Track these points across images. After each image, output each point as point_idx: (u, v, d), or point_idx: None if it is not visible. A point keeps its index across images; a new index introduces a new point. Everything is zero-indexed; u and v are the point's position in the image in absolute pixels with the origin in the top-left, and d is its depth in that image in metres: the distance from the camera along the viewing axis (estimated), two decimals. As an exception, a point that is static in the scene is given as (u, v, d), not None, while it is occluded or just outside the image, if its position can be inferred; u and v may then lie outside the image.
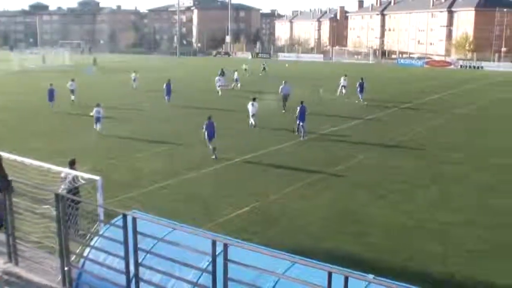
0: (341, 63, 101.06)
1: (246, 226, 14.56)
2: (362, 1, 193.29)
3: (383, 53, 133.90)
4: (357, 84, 42.45)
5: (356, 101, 41.05)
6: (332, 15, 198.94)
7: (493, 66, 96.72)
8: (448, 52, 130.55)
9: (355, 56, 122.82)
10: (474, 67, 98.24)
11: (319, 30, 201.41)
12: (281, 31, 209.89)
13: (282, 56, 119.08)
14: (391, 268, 12.07)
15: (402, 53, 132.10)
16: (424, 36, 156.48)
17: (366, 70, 73.38)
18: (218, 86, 47.18)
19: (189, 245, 7.00)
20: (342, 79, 46.80)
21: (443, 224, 15.05)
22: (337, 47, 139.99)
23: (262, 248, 7.94)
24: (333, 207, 16.36)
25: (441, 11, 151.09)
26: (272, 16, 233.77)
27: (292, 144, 25.62)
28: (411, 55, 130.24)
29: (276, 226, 14.68)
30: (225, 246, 6.38)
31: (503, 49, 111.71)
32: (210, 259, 6.59)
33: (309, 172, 20.36)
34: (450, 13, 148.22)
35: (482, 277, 11.90)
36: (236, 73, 52.78)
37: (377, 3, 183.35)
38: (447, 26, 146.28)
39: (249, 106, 30.46)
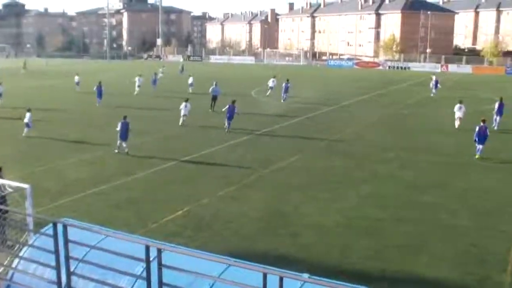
0: (273, 65, 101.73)
1: (179, 230, 14.47)
2: (293, 4, 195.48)
3: (314, 55, 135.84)
4: (283, 85, 44.29)
5: (282, 101, 42.23)
6: (263, 18, 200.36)
7: (418, 66, 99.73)
8: (376, 54, 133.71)
9: (286, 58, 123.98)
10: (401, 67, 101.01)
11: (250, 32, 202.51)
12: (213, 34, 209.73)
13: (213, 58, 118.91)
14: (325, 266, 12.28)
15: (332, 54, 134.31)
16: (353, 38, 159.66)
17: (297, 72, 74.30)
18: (138, 86, 47.72)
19: (122, 252, 6.90)
20: (271, 80, 48.09)
21: (374, 221, 15.43)
22: (268, 49, 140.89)
23: (196, 251, 7.93)
24: (267, 208, 16.46)
25: (369, 14, 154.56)
26: (203, 18, 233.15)
27: (224, 146, 25.63)
28: (341, 57, 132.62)
29: (210, 229, 14.66)
30: (159, 251, 6.33)
31: (428, 50, 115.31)
32: (144, 265, 6.53)
33: (242, 174, 20.42)
34: (378, 16, 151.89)
35: (411, 271, 12.30)
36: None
37: (307, 6, 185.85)
38: (375, 28, 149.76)
39: (182, 107, 31.11)
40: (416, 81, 66.06)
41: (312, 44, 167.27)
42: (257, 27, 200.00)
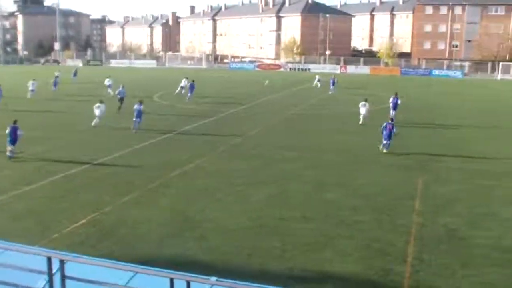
0: (175, 69, 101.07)
1: (83, 239, 14.05)
2: (194, 7, 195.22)
3: (216, 58, 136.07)
4: (188, 85, 46.28)
5: (187, 99, 42.77)
6: (164, 21, 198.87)
7: (319, 68, 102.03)
8: (278, 56, 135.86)
9: (188, 62, 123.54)
10: (302, 69, 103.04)
11: (151, 36, 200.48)
12: (113, 37, 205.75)
13: (114, 62, 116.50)
14: (233, 268, 12.32)
15: (234, 57, 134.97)
16: (255, 41, 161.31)
17: (199, 75, 74.17)
18: (31, 91, 46.11)
19: (22, 266, 6.62)
20: (183, 80, 49.35)
21: (280, 220, 15.64)
22: (170, 53, 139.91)
23: (101, 260, 7.74)
24: (173, 213, 16.31)
25: (270, 17, 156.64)
26: (103, 22, 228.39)
27: (130, 150, 25.10)
28: (243, 59, 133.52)
29: (115, 236, 14.33)
30: (62, 262, 6.13)
31: (328, 52, 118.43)
32: (47, 278, 6.30)
33: (147, 178, 20.10)
34: (278, 18, 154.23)
35: (317, 268, 12.57)
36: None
37: (208, 9, 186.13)
38: (276, 31, 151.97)
39: (95, 109, 31.44)
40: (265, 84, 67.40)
41: (214, 47, 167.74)
42: (158, 31, 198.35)
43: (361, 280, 12.13)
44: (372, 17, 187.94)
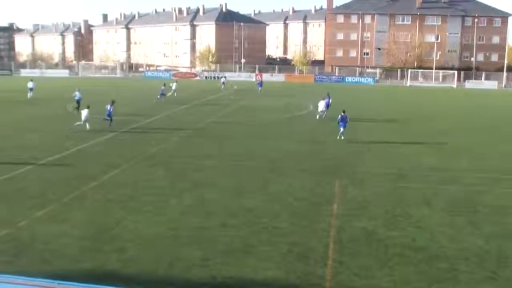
0: (88, 78, 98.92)
1: (-4, 255, 13.43)
2: (106, 15, 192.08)
3: (131, 67, 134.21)
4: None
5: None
6: (76, 29, 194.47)
7: (234, 76, 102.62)
8: (193, 64, 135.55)
9: (102, 71, 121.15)
10: (218, 77, 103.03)
11: (63, 44, 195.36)
12: (22, 46, 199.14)
13: (24, 72, 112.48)
14: (154, 279, 12.13)
15: (149, 66, 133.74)
16: (170, 49, 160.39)
17: (113, 84, 72.92)
18: None
19: None
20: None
21: (199, 229, 15.53)
22: (83, 62, 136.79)
23: (17, 278, 7.42)
24: (90, 226, 15.85)
25: (184, 25, 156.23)
26: (11, 30, 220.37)
27: (46, 162, 24.24)
28: (158, 68, 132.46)
29: (30, 252, 13.74)
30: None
31: (243, 60, 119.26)
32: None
33: (61, 192, 19.44)
34: (193, 27, 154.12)
35: (239, 274, 12.53)
36: None
37: (121, 17, 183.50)
38: (191, 39, 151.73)
39: (82, 113, 34.30)
40: (234, 89, 67.84)
41: (129, 56, 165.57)
42: (70, 39, 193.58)
43: (283, 285, 12.21)
44: (286, 25, 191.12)
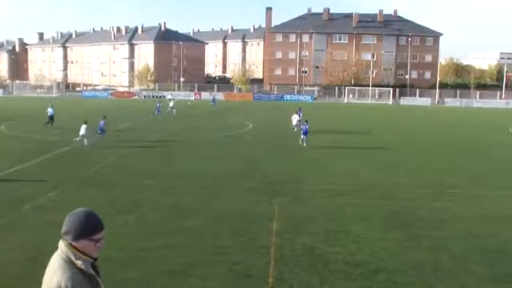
0: (23, 98, 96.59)
1: None
2: (42, 33, 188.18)
3: (68, 86, 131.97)
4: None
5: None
6: (10, 47, 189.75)
7: (174, 95, 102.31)
8: (131, 83, 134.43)
9: (38, 90, 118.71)
10: (157, 96, 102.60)
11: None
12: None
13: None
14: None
15: (86, 85, 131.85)
16: (108, 68, 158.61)
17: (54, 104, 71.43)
18: None
19: None
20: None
21: (141, 250, 15.34)
22: (18, 81, 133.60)
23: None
24: (24, 250, 15.37)
25: (122, 44, 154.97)
26: None
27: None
28: (95, 87, 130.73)
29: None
30: None
31: (182, 79, 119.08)
32: None
33: (-3, 215, 18.87)
34: (132, 46, 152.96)
35: (181, 296, 12.47)
36: None
37: (58, 36, 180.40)
38: (129, 58, 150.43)
39: (81, 129, 35.17)
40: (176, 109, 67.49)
41: (66, 75, 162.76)
42: (3, 58, 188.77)
43: (225, 304, 12.20)
44: (225, 44, 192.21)
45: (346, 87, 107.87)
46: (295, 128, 45.42)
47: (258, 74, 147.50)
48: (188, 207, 20.47)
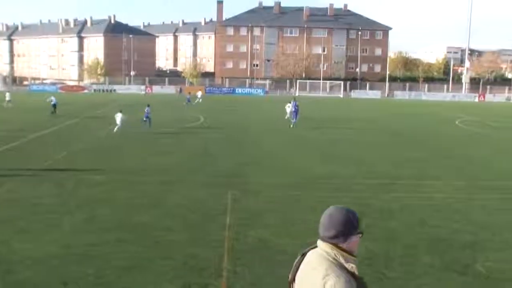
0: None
1: None
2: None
3: (14, 80, 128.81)
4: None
5: None
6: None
7: (124, 89, 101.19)
8: (81, 77, 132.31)
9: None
10: (107, 90, 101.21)
11: None
12: None
13: None
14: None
15: (34, 79, 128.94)
16: (56, 62, 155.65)
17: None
18: None
19: None
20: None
21: (93, 246, 15.14)
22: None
23: None
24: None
25: (71, 37, 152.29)
26: None
27: None
28: (44, 81, 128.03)
29: None
30: None
31: (132, 72, 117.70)
32: None
33: None
34: (81, 39, 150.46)
35: (134, 292, 12.39)
36: None
37: (3, 28, 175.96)
38: (78, 51, 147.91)
39: (116, 117, 39.66)
40: (121, 103, 66.73)
41: (12, 69, 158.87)
42: None
43: (179, 298, 12.17)
44: (176, 37, 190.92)
45: (298, 81, 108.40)
46: (288, 116, 50.02)
47: (210, 68, 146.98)
48: (140, 202, 20.29)
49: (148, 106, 44.07)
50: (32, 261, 14.12)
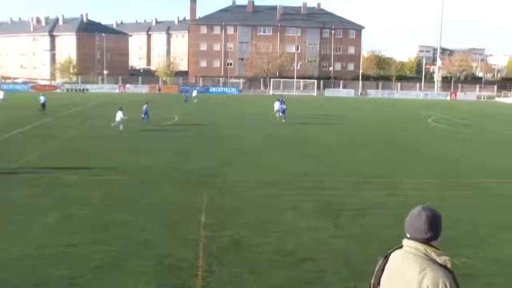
0: None
1: None
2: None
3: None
4: None
5: None
6: None
7: (97, 88, 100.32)
8: (53, 76, 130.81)
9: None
10: (80, 89, 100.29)
11: None
12: None
13: None
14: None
15: (5, 78, 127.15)
16: (27, 60, 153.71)
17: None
18: None
19: None
20: None
21: (67, 246, 14.98)
22: None
23: None
24: None
25: (43, 35, 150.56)
26: None
27: None
28: (15, 80, 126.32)
29: None
30: None
31: (105, 71, 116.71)
32: None
33: None
34: (52, 37, 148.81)
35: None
36: None
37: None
38: (50, 50, 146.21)
39: (117, 115, 41.09)
40: (97, 102, 66.31)
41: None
42: None
43: (155, 298, 12.11)
44: (149, 36, 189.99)
45: (271, 79, 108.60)
46: (276, 114, 52.85)
47: (183, 67, 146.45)
48: (115, 201, 20.15)
49: (146, 103, 45.96)
50: (5, 262, 13.91)
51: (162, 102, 72.16)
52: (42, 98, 56.69)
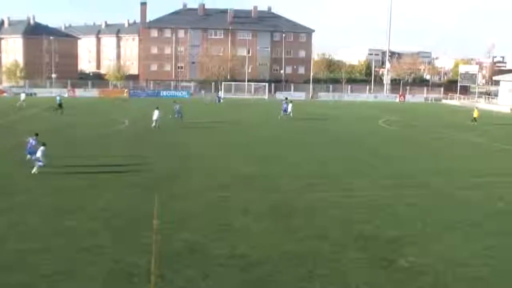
0: None
1: None
2: None
3: None
4: None
5: None
6: None
7: (45, 92, 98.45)
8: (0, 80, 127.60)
9: None
10: (28, 94, 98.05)
11: None
12: None
13: None
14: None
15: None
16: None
17: None
18: None
19: None
20: None
21: (18, 252, 14.70)
22: None
23: None
24: None
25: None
26: None
27: None
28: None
29: None
30: None
31: (54, 75, 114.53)
32: None
33: None
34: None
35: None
36: None
37: None
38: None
39: (154, 114, 44.95)
40: (48, 106, 64.84)
41: None
42: None
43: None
44: (99, 39, 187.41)
45: (223, 82, 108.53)
46: (284, 115, 56.99)
47: (134, 70, 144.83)
48: (67, 206, 19.82)
49: (175, 102, 52.90)
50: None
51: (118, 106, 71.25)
52: (58, 98, 60.86)
